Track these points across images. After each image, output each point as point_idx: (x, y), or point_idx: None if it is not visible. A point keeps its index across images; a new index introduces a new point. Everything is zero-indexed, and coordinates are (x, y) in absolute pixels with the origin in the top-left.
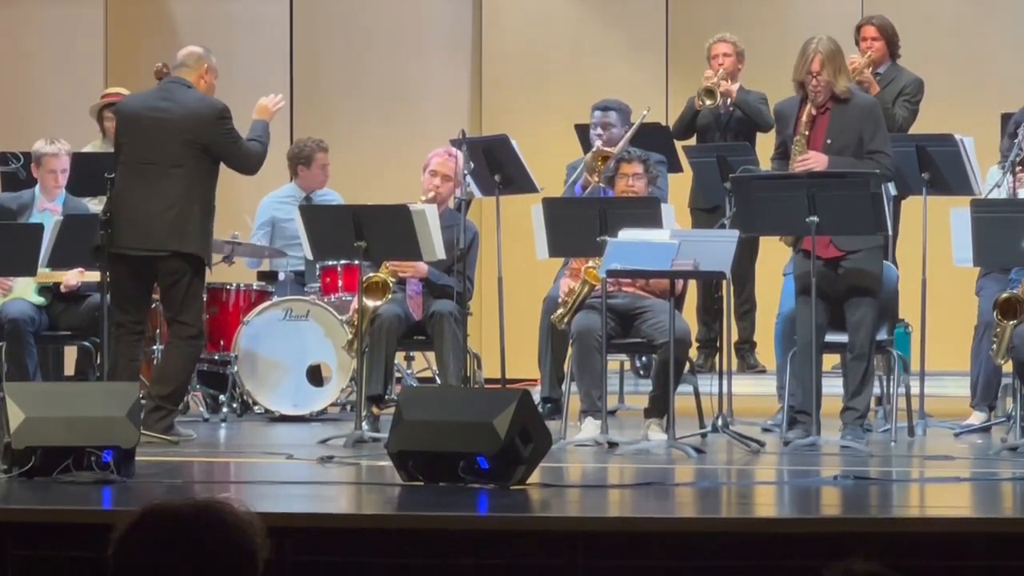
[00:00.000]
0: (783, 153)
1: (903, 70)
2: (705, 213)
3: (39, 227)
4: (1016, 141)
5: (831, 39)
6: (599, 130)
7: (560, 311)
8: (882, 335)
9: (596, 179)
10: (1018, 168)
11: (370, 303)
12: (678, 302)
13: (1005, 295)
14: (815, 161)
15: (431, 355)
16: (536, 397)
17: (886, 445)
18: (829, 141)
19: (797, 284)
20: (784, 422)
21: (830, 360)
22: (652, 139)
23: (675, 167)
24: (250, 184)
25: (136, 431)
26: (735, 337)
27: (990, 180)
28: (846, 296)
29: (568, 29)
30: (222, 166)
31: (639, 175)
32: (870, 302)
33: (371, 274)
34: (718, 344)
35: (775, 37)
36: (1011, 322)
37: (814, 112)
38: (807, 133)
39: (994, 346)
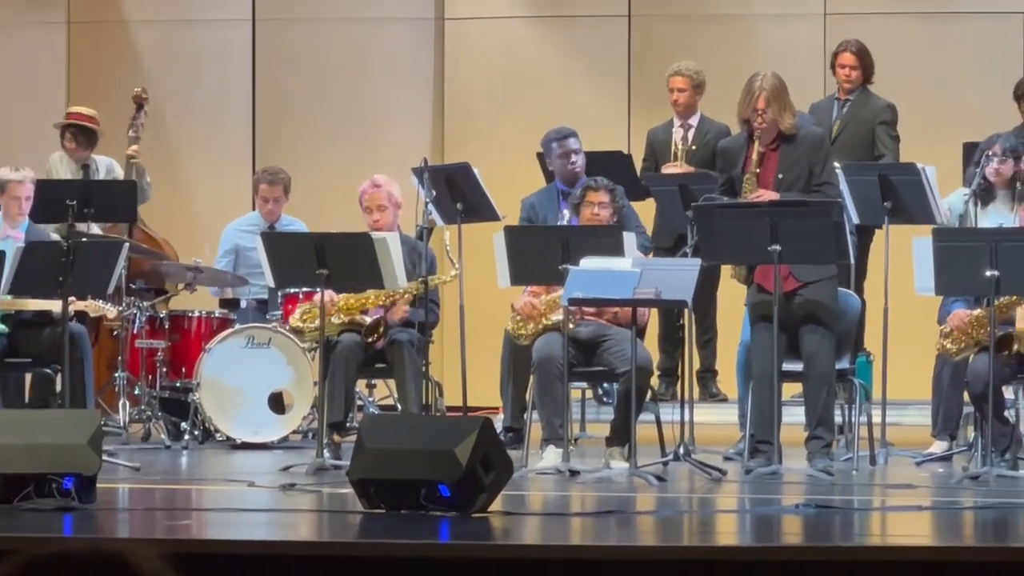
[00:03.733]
0: (728, 190)
1: (873, 96)
2: (666, 252)
3: (0, 254)
4: (977, 170)
5: (775, 75)
6: (572, 157)
7: (520, 322)
8: (844, 363)
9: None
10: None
11: (357, 336)
12: (641, 331)
13: (1001, 334)
14: (766, 199)
15: (392, 383)
16: (499, 427)
17: (848, 473)
18: (781, 176)
19: (753, 313)
20: (746, 450)
21: (790, 389)
22: (614, 166)
23: (637, 195)
24: (212, 212)
25: (98, 458)
26: (697, 365)
27: (955, 203)
28: (801, 325)
29: (530, 57)
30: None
31: (605, 204)
32: (825, 330)
33: (368, 321)
34: (679, 372)
35: (738, 64)
36: (975, 349)
37: (762, 149)
38: (757, 171)
39: (947, 343)
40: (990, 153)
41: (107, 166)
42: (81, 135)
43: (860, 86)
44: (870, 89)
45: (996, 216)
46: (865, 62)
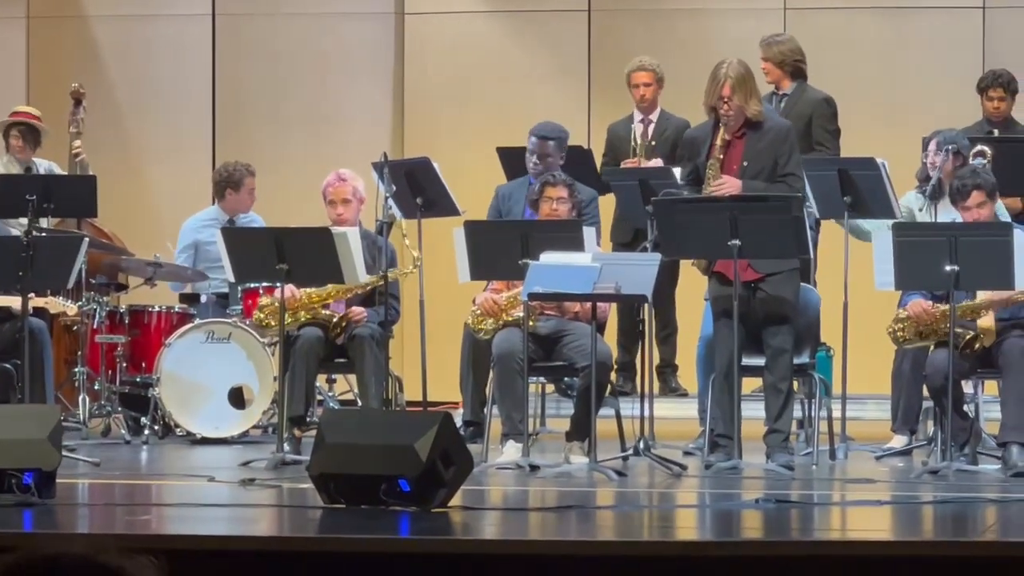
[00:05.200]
0: (694, 180)
1: (809, 89)
2: (624, 248)
3: None
4: (937, 166)
5: (741, 62)
6: (535, 159)
7: (480, 317)
8: (803, 358)
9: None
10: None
11: (318, 331)
12: (601, 326)
13: (969, 337)
14: (729, 186)
15: (353, 377)
16: (458, 421)
17: (807, 468)
18: (745, 164)
19: (714, 307)
20: (706, 445)
21: (751, 384)
22: (575, 161)
23: (598, 190)
24: (172, 207)
25: (57, 454)
26: (656, 360)
27: (908, 203)
28: (764, 320)
29: (490, 52)
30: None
31: (563, 199)
32: (788, 325)
33: (335, 317)
34: (637, 367)
35: (698, 59)
36: (932, 342)
37: (728, 137)
38: (721, 158)
39: (899, 329)
40: (930, 149)
41: (47, 169)
42: (29, 134)
43: (782, 80)
44: (807, 84)
45: (947, 213)
46: (776, 60)
